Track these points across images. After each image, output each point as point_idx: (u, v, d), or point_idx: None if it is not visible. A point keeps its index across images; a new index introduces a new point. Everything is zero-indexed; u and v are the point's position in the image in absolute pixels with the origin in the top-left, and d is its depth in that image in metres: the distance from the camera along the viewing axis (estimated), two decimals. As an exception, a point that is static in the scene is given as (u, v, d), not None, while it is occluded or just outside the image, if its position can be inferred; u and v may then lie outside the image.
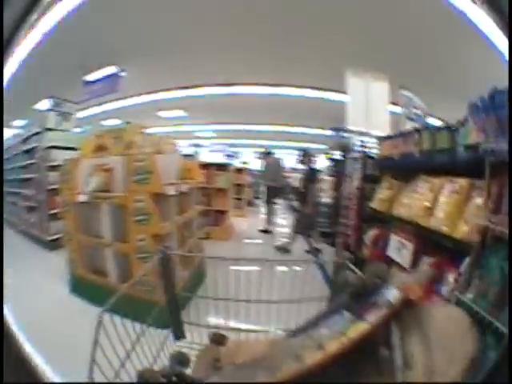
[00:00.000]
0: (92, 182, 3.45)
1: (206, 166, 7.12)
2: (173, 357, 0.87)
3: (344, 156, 5.26)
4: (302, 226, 5.86)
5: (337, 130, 12.47)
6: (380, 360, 0.72)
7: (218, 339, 0.94)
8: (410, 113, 4.99)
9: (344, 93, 8.39)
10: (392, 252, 2.70)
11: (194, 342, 1.06)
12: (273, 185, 7.45)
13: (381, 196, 3.17)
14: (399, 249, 2.59)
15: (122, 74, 7.24)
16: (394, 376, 0.67)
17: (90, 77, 7.34)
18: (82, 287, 3.61)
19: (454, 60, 5.77)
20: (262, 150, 9.33)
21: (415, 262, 2.34)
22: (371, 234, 3.26)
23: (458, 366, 0.62)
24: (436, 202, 2.24)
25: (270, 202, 7.52)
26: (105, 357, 0.75)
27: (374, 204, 3.25)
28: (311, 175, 6.00)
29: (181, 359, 0.86)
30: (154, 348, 0.96)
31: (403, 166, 2.91)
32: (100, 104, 8.93)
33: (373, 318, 0.69)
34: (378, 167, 3.60)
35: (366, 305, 0.73)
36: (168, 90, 9.19)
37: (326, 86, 8.45)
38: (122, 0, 4.95)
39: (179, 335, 1.07)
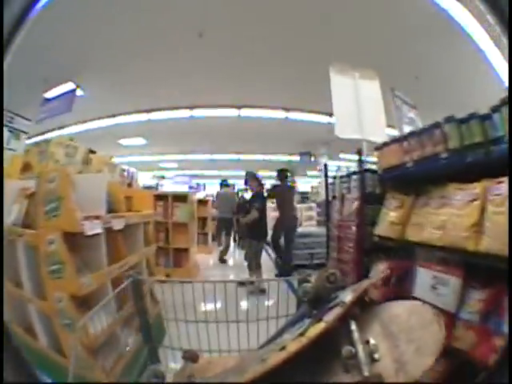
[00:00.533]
0: (12, 211, 2.57)
1: (161, 197, 6.41)
2: (148, 373, 0.91)
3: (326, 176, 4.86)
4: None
5: (305, 154, 13.16)
6: (345, 358, 0.76)
7: (191, 356, 0.98)
8: (404, 116, 4.41)
9: (313, 112, 8.85)
10: (424, 291, 1.93)
11: (168, 366, 1.10)
12: (224, 216, 7.70)
13: (390, 218, 2.41)
14: (436, 286, 1.85)
15: (80, 92, 6.99)
16: (359, 370, 0.70)
17: (49, 94, 6.97)
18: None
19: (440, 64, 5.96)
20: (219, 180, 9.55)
21: (463, 301, 1.70)
22: (380, 268, 2.45)
23: (427, 355, 0.66)
24: (483, 215, 1.62)
25: (221, 234, 7.76)
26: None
27: (381, 229, 2.52)
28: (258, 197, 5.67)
29: (156, 374, 0.90)
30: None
31: (419, 174, 2.24)
32: (60, 128, 8.63)
33: (330, 317, 0.75)
34: (380, 182, 2.86)
35: (324, 310, 0.80)
36: (127, 113, 9.16)
37: (291, 105, 9.04)
38: (83, 13, 4.81)
39: (154, 360, 1.10)
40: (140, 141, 12.00)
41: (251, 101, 8.67)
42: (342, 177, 4.27)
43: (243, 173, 10.43)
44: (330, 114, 8.42)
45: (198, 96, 8.20)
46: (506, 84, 3.13)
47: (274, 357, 0.72)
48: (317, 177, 15.27)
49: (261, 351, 0.89)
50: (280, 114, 9.28)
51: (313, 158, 13.38)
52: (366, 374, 0.68)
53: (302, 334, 0.74)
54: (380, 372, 0.67)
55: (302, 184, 16.69)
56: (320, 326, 0.74)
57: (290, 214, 6.22)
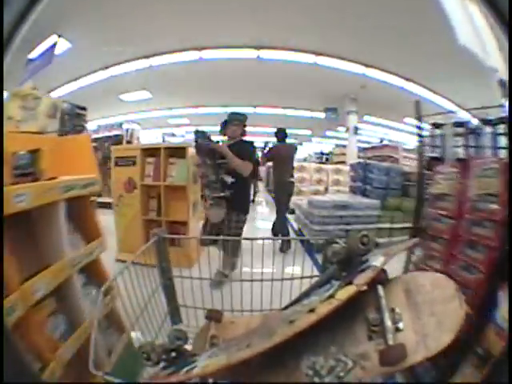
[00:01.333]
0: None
1: (152, 151, 4.66)
2: (171, 334, 0.92)
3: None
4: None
5: (331, 110, 11.66)
6: (372, 325, 0.76)
7: (214, 316, 0.98)
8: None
9: (346, 59, 7.98)
10: None
11: (190, 325, 1.11)
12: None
13: None
14: None
15: (67, 44, 6.47)
16: (384, 339, 0.71)
17: (33, 53, 6.32)
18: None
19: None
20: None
21: None
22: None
23: (447, 332, 0.65)
24: None
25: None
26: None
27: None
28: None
29: (178, 336, 0.91)
30: (153, 330, 1.00)
31: None
32: (54, 89, 8.10)
33: (361, 280, 0.73)
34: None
35: (354, 272, 0.78)
36: (125, 61, 8.19)
37: (321, 49, 7.69)
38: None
39: (176, 320, 1.11)
40: (144, 94, 10.66)
41: (273, 41, 7.40)
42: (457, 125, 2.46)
43: (260, 129, 10.18)
44: (367, 65, 8.21)
45: (208, 36, 7.09)
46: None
47: (303, 319, 0.70)
48: (338, 139, 14.70)
49: (286, 312, 0.88)
50: (307, 58, 7.93)
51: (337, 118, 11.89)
52: (391, 342, 0.69)
53: (331, 296, 0.72)
54: (404, 343, 0.67)
55: (325, 144, 16.33)
56: (350, 289, 0.72)
57: (285, 178, 5.50)
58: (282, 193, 5.48)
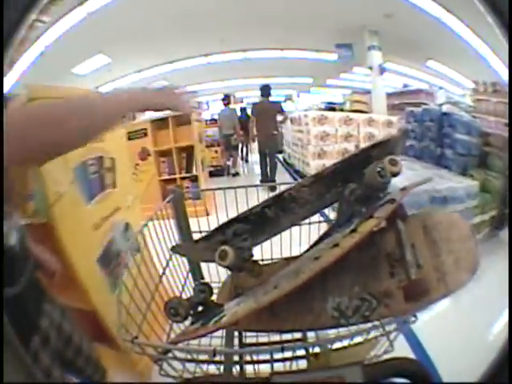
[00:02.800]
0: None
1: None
2: (195, 288, 0.93)
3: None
4: None
5: (344, 46, 8.74)
6: (394, 260, 0.77)
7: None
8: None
9: None
10: None
11: (212, 281, 1.12)
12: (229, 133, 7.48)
13: None
14: None
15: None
16: (407, 274, 0.72)
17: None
18: None
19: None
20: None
21: None
22: None
23: (465, 271, 0.67)
24: None
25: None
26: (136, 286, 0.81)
27: None
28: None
29: (203, 289, 0.92)
30: (177, 289, 1.02)
31: None
32: None
33: (381, 214, 0.73)
34: None
35: (374, 207, 0.78)
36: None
37: None
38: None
39: (197, 278, 1.13)
40: (101, 60, 8.19)
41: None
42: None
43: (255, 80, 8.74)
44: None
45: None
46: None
47: (327, 254, 0.71)
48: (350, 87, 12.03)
49: (309, 253, 0.89)
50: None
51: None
52: (413, 277, 0.71)
53: (353, 231, 0.72)
54: (425, 278, 0.70)
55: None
56: (372, 222, 0.72)
57: (267, 132, 5.91)
58: (264, 145, 6.08)
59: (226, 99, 7.74)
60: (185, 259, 1.14)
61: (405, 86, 10.06)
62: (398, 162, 0.77)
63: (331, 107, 11.06)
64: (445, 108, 4.52)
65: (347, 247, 0.67)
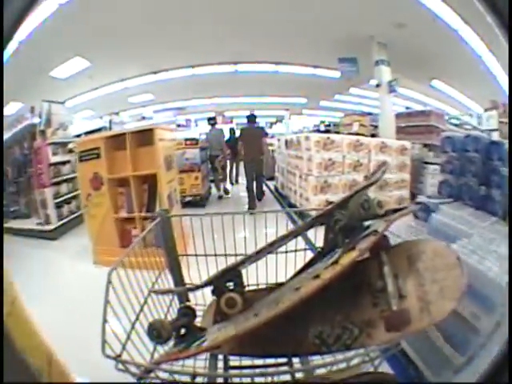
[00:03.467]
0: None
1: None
2: (180, 310, 0.94)
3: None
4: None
5: (347, 61, 8.11)
6: (376, 291, 0.78)
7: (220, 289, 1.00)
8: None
9: None
10: None
11: (197, 303, 1.13)
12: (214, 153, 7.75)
13: None
14: None
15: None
16: (388, 305, 0.73)
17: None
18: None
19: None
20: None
21: None
22: None
23: (450, 299, 0.67)
24: None
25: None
26: (115, 315, 0.81)
27: None
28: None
29: (186, 312, 0.93)
30: (161, 310, 1.02)
31: None
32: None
33: (363, 245, 0.74)
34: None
35: (357, 238, 0.79)
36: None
37: None
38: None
39: (183, 299, 1.13)
40: (80, 63, 7.66)
41: None
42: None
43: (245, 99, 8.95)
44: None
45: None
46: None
47: (307, 285, 0.72)
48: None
49: (291, 282, 0.90)
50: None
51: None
52: (395, 308, 0.71)
53: (335, 262, 0.74)
54: (408, 308, 0.70)
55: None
56: (353, 254, 0.73)
57: (253, 155, 6.49)
58: (251, 168, 6.53)
59: (213, 120, 7.91)
60: (171, 281, 1.15)
61: (406, 108, 9.66)
62: (383, 205, 0.78)
63: (326, 130, 10.53)
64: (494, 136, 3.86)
65: (327, 279, 0.68)
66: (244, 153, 6.55)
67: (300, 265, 0.98)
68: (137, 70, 9.02)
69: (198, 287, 0.96)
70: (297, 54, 8.34)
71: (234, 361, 1.07)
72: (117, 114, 11.31)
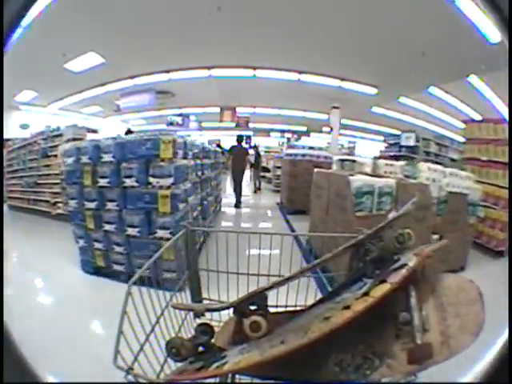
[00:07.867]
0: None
1: None
2: (198, 328, 0.95)
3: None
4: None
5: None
6: (401, 323, 0.79)
7: (243, 311, 1.00)
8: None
9: None
10: None
11: (213, 319, 1.13)
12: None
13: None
14: None
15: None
16: (412, 338, 0.74)
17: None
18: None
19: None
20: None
21: None
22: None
23: (469, 335, 0.68)
24: None
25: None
26: (131, 328, 0.82)
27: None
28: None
29: (205, 330, 0.94)
30: (177, 324, 1.03)
31: None
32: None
33: (393, 279, 0.75)
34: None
35: (388, 271, 0.80)
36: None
37: None
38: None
39: (199, 314, 1.14)
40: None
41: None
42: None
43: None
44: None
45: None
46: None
47: (338, 316, 0.73)
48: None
49: (318, 309, 0.90)
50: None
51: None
52: (419, 341, 0.71)
53: (366, 294, 0.75)
54: (431, 342, 0.70)
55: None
56: (385, 287, 0.74)
57: (239, 169, 8.68)
58: (237, 178, 8.74)
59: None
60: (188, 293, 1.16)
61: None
62: (413, 238, 0.79)
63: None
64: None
65: (358, 311, 0.69)
66: (232, 166, 8.69)
67: (312, 288, 0.99)
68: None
69: (220, 309, 0.96)
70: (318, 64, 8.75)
71: (245, 379, 1.08)
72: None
